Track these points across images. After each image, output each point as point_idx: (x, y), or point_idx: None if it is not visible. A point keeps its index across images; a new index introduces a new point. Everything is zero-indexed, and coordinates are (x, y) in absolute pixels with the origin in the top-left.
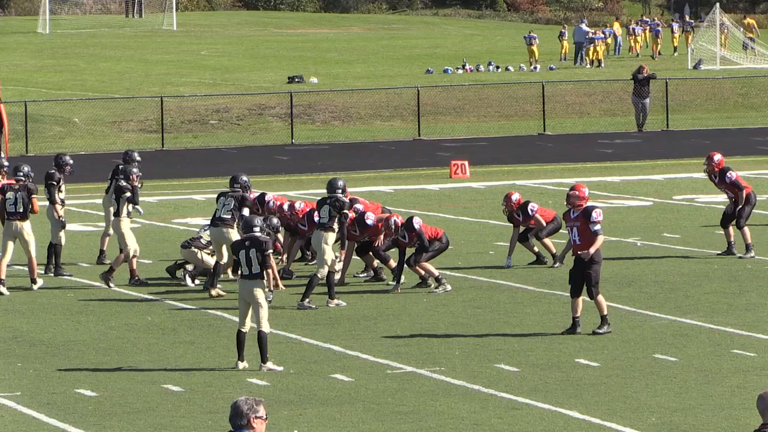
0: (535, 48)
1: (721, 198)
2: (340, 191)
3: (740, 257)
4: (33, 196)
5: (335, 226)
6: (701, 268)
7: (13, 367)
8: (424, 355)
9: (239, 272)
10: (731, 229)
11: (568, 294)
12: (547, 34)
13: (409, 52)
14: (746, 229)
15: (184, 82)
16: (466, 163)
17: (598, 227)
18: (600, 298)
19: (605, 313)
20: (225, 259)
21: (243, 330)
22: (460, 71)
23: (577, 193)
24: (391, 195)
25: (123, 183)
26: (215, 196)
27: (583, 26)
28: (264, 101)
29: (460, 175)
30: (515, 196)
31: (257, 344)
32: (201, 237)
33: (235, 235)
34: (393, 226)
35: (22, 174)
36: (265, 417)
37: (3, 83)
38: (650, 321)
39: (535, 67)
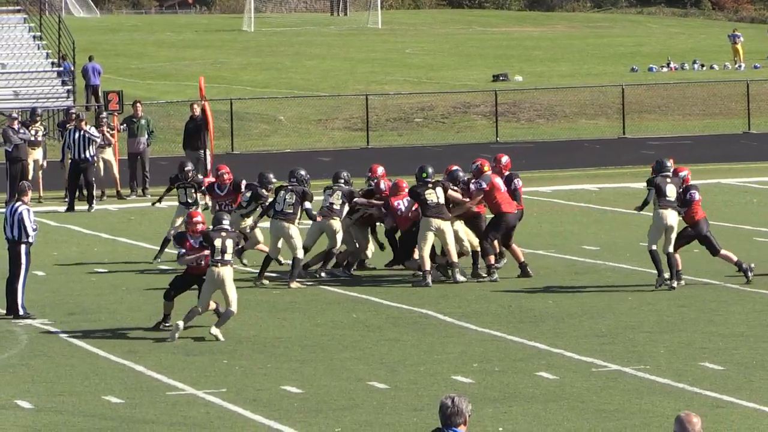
0: (739, 47)
1: None
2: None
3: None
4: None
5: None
6: None
7: (219, 364)
8: (629, 354)
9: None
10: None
11: None
12: (752, 32)
13: (613, 50)
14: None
15: (389, 80)
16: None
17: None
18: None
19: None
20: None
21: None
22: (665, 69)
23: None
24: (595, 193)
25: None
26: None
27: None
28: (469, 99)
29: None
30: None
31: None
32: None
33: (294, 230)
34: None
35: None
36: None
37: (208, 81)
38: None
39: (740, 66)
